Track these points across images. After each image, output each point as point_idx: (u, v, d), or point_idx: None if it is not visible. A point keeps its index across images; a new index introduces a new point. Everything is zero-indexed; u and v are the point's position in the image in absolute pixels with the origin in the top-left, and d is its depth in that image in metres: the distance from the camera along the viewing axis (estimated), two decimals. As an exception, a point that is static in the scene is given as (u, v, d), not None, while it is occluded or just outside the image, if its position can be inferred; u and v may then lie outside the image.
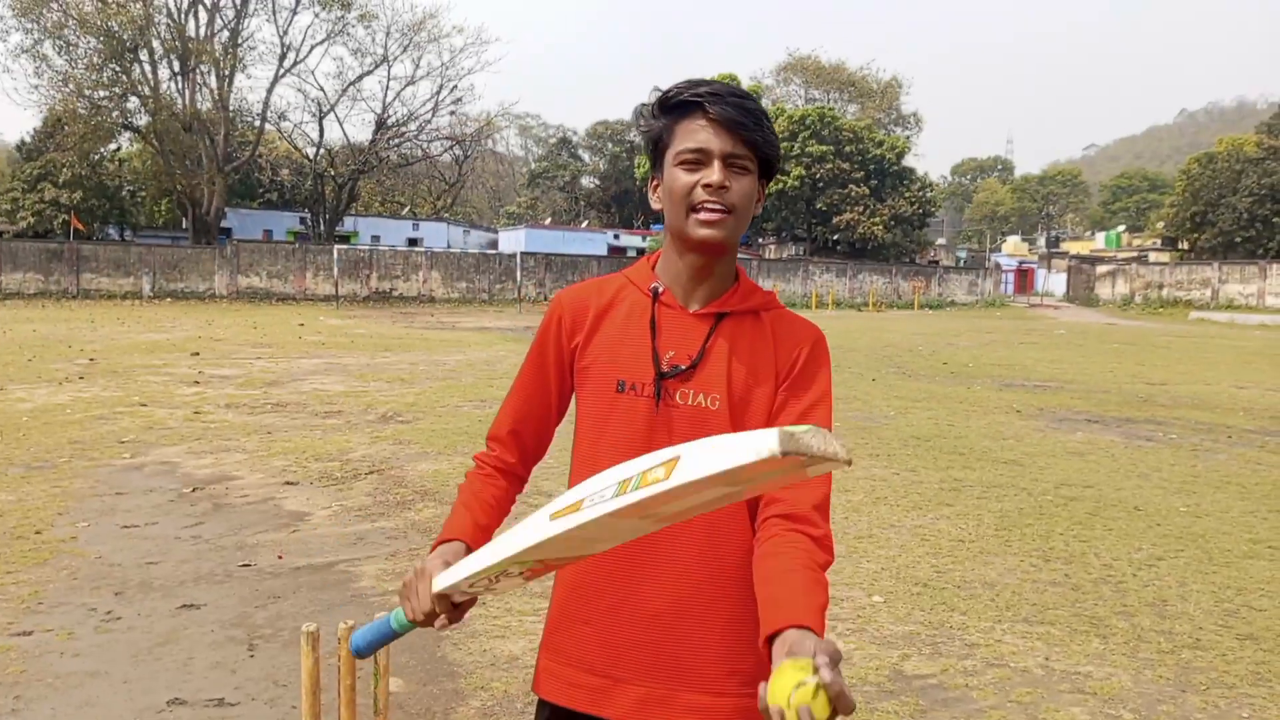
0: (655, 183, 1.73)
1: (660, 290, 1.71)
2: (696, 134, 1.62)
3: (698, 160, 1.62)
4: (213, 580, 5.28)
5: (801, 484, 1.56)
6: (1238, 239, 53.03)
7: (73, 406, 11.07)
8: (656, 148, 1.70)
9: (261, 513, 6.72)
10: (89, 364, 15.49)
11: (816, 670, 1.17)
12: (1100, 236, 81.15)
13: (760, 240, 63.51)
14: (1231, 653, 4.49)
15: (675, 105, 1.66)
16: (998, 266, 63.88)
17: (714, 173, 1.61)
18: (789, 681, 1.18)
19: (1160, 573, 5.68)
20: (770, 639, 1.36)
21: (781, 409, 1.67)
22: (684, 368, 1.66)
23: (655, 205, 1.74)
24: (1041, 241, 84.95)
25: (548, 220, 65.70)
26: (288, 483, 7.60)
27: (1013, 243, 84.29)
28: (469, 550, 1.58)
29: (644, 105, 1.74)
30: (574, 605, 1.71)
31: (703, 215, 1.62)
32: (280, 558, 5.69)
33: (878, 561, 5.80)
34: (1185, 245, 59.28)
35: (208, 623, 4.67)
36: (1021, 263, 71.03)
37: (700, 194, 1.61)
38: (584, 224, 65.54)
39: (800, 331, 1.73)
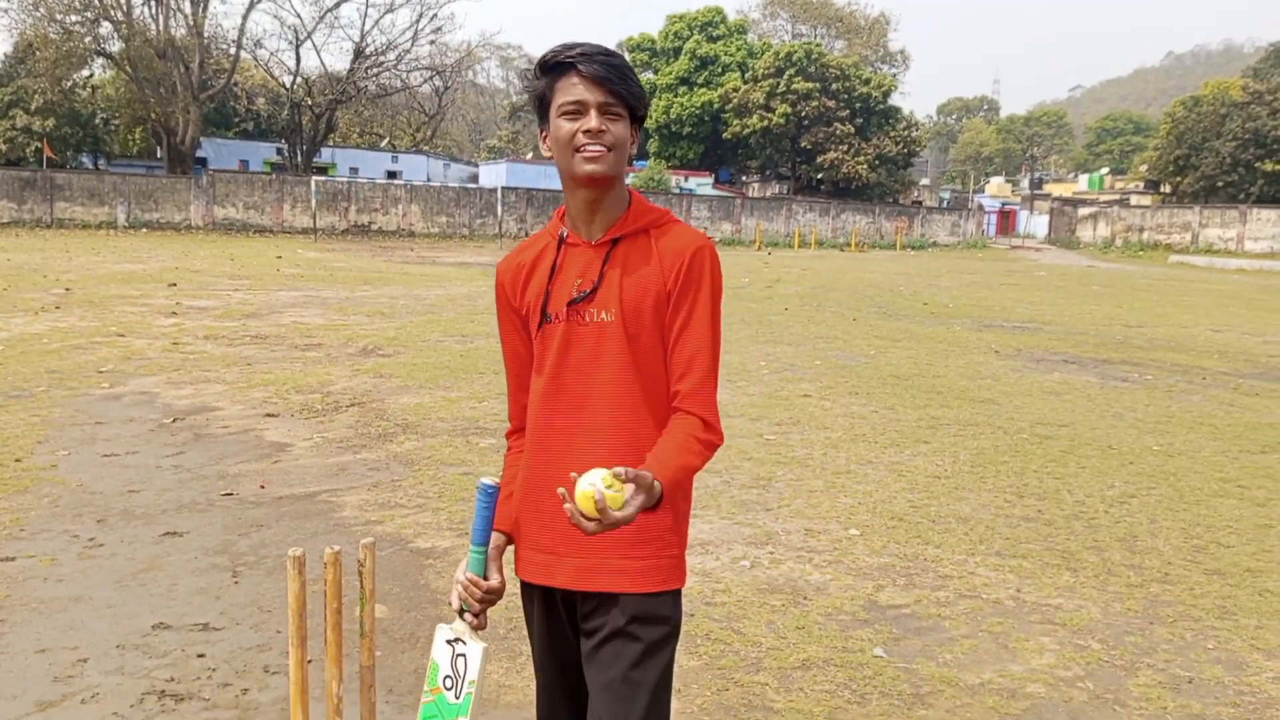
0: (544, 134, 1.98)
1: (565, 234, 2.01)
2: (573, 89, 1.89)
3: (577, 111, 1.89)
4: (195, 509, 5.30)
5: (692, 380, 1.96)
6: (1220, 183, 53.07)
7: (49, 336, 10.97)
8: (542, 104, 1.96)
9: (242, 443, 6.73)
10: (65, 294, 15.33)
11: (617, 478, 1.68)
12: (1084, 179, 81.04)
13: (744, 178, 63.11)
14: (1199, 587, 4.60)
15: (553, 66, 1.92)
16: (980, 208, 63.82)
17: (591, 119, 1.88)
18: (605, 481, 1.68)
19: (1131, 509, 5.78)
20: None
21: (672, 320, 1.96)
22: (588, 291, 1.96)
23: (546, 154, 1.99)
24: (1025, 183, 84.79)
25: (529, 155, 64.95)
26: (268, 414, 7.60)
27: (996, 184, 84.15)
28: (509, 540, 2.06)
29: (527, 70, 2.02)
30: (527, 500, 2.04)
31: (586, 153, 1.88)
32: (263, 487, 5.71)
33: (855, 496, 5.88)
34: (1167, 189, 59.32)
35: (191, 550, 4.69)
36: (1004, 204, 70.99)
37: (581, 138, 1.88)
38: (566, 159, 64.73)
39: (681, 243, 1.97)
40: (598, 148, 1.88)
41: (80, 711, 3.20)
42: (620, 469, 1.69)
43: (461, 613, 1.99)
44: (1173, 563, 4.91)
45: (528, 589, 2.08)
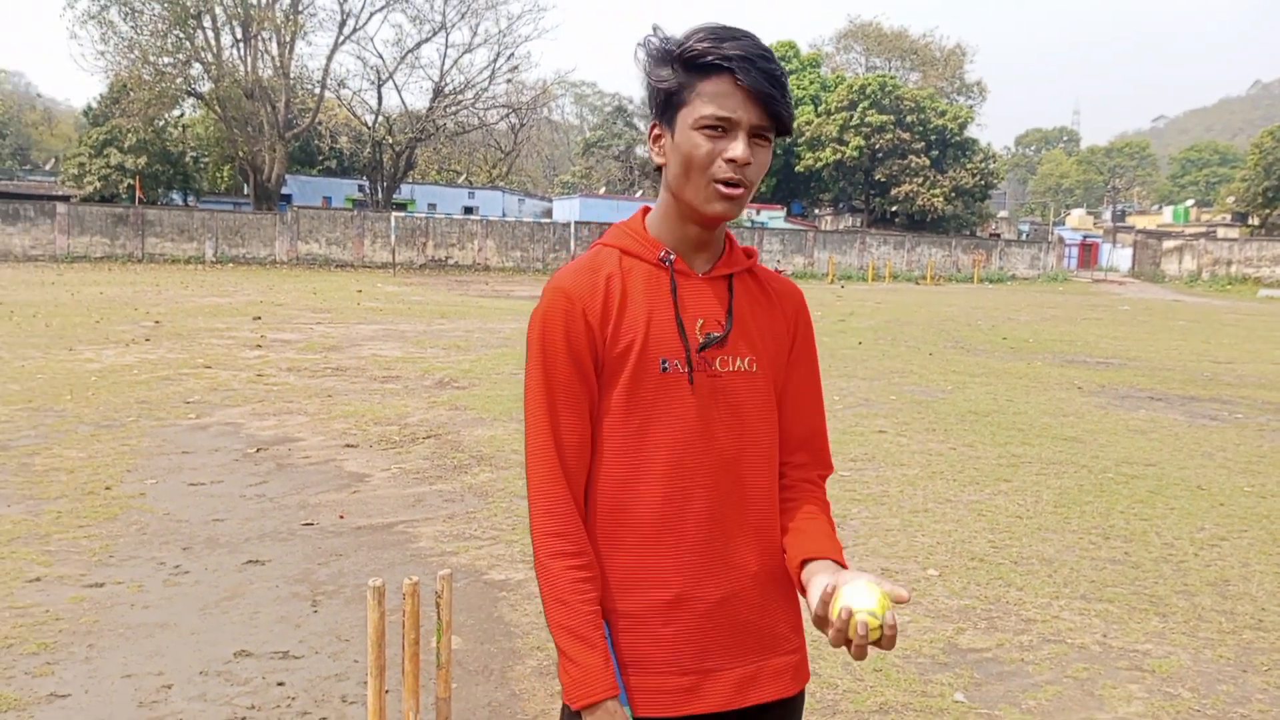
0: (658, 134, 1.59)
1: (673, 258, 1.61)
2: (724, 101, 1.50)
3: (721, 129, 1.51)
4: (276, 538, 5.41)
5: (822, 450, 1.76)
6: (1312, 215, 51.35)
7: (139, 367, 11.35)
8: (669, 100, 1.55)
9: (323, 473, 6.86)
10: (154, 326, 15.85)
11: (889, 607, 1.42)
12: (1168, 211, 79.05)
13: (817, 211, 62.87)
14: (1296, 635, 4.41)
15: (700, 65, 1.52)
16: (1061, 240, 62.58)
17: (739, 146, 1.50)
18: (884, 604, 1.42)
19: (1223, 553, 5.58)
20: (804, 563, 1.59)
21: (792, 371, 1.71)
22: (718, 335, 1.59)
23: (657, 160, 1.60)
24: (1107, 215, 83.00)
25: (602, 190, 65.61)
26: (348, 445, 7.74)
27: (1077, 216, 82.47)
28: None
29: (651, 46, 1.58)
30: (644, 617, 1.58)
31: (723, 190, 1.52)
32: (342, 517, 5.81)
33: (933, 536, 5.77)
34: (1256, 221, 57.53)
35: (272, 578, 4.79)
36: (1086, 237, 69.49)
37: (723, 168, 1.51)
38: (638, 193, 65.36)
39: (788, 288, 1.76)
40: (738, 185, 1.53)
41: (165, 736, 3.27)
42: (891, 589, 1.44)
43: None
44: (1266, 608, 4.72)
45: None
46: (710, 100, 1.50)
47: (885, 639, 1.41)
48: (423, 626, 2.91)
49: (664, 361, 1.56)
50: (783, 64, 1.55)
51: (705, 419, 1.57)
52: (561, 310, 1.55)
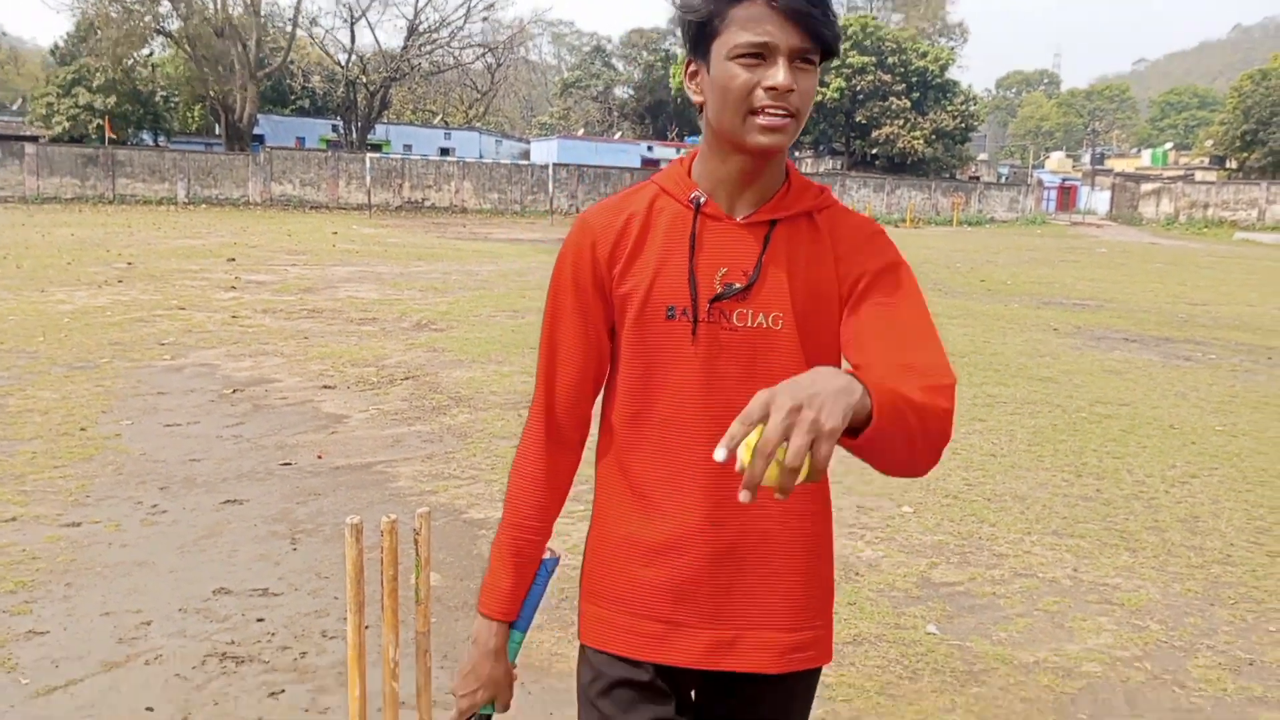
0: (695, 71, 1.48)
1: (703, 200, 1.49)
2: (759, 25, 1.36)
3: (759, 56, 1.37)
4: (254, 478, 5.40)
5: (927, 354, 1.37)
6: (1289, 158, 51.56)
7: (112, 309, 11.22)
8: (701, 32, 1.43)
9: (300, 414, 6.84)
10: (127, 268, 15.65)
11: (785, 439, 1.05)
12: (1146, 154, 79.05)
13: (797, 154, 62.54)
14: (1262, 569, 4.50)
15: None
16: (1040, 183, 62.55)
17: (779, 73, 1.37)
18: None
19: (1193, 490, 5.67)
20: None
21: (859, 303, 1.45)
22: (739, 286, 1.46)
23: (695, 98, 1.49)
24: (1086, 158, 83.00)
25: (580, 131, 64.99)
26: (325, 386, 7.71)
27: (1056, 159, 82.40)
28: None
29: None
30: (626, 552, 1.55)
31: (764, 120, 1.38)
32: (320, 457, 5.81)
33: (908, 473, 5.82)
34: (1234, 164, 57.70)
35: (250, 518, 4.79)
36: (1064, 180, 69.50)
37: (762, 97, 1.38)
38: (617, 135, 64.82)
39: (857, 225, 1.52)
40: (782, 114, 1.39)
41: (144, 672, 3.29)
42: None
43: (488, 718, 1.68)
44: (1235, 544, 4.81)
45: (610, 663, 1.55)
46: (744, 27, 1.37)
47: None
48: (402, 564, 2.92)
49: (670, 308, 1.47)
50: None
51: (709, 373, 1.47)
52: (574, 243, 1.54)
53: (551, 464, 1.60)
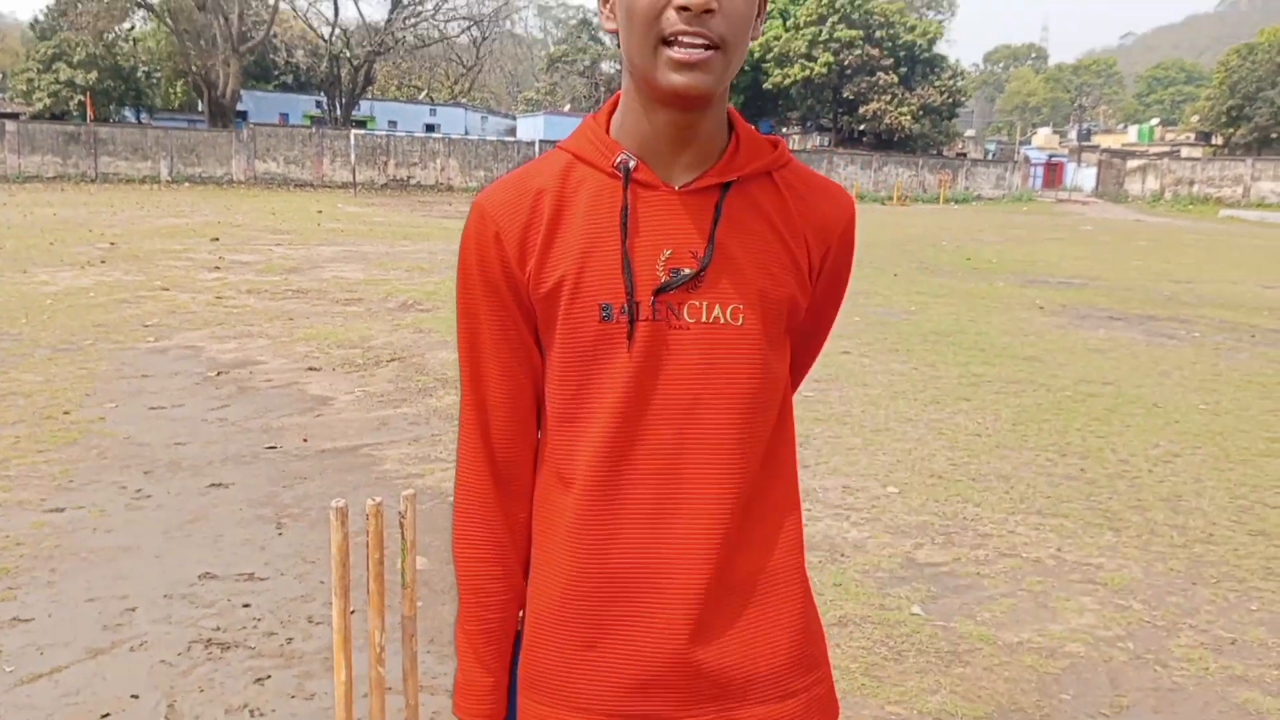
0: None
1: (632, 164, 1.17)
2: None
3: None
4: (240, 461, 5.38)
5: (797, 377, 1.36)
6: (1274, 135, 51.65)
7: (95, 290, 11.14)
8: None
9: (286, 397, 6.81)
10: (110, 248, 15.53)
11: None
12: (1133, 130, 79.19)
13: (784, 130, 62.34)
14: (1244, 548, 4.54)
15: None
16: (1026, 160, 62.59)
17: None
18: None
19: (1176, 469, 5.70)
20: None
21: (806, 314, 1.28)
22: (689, 272, 1.16)
23: (608, 27, 1.19)
24: (1073, 135, 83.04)
25: (567, 107, 64.59)
26: (311, 368, 7.68)
27: (1043, 135, 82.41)
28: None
29: None
30: (568, 625, 1.22)
31: (677, 53, 1.08)
32: (305, 440, 5.79)
33: (893, 454, 5.85)
34: (1220, 140, 57.82)
35: (236, 501, 4.77)
36: (1051, 156, 69.52)
37: (673, 20, 1.08)
38: (604, 111, 64.25)
39: (827, 199, 1.26)
40: (700, 43, 1.08)
41: (129, 659, 3.28)
42: None
43: None
44: (1217, 523, 4.85)
45: None
46: None
47: None
48: (388, 547, 2.92)
49: (605, 307, 1.16)
50: None
51: (652, 385, 1.17)
52: (474, 237, 1.21)
53: (505, 515, 1.27)
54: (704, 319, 1.17)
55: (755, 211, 1.20)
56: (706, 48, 1.09)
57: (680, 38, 1.08)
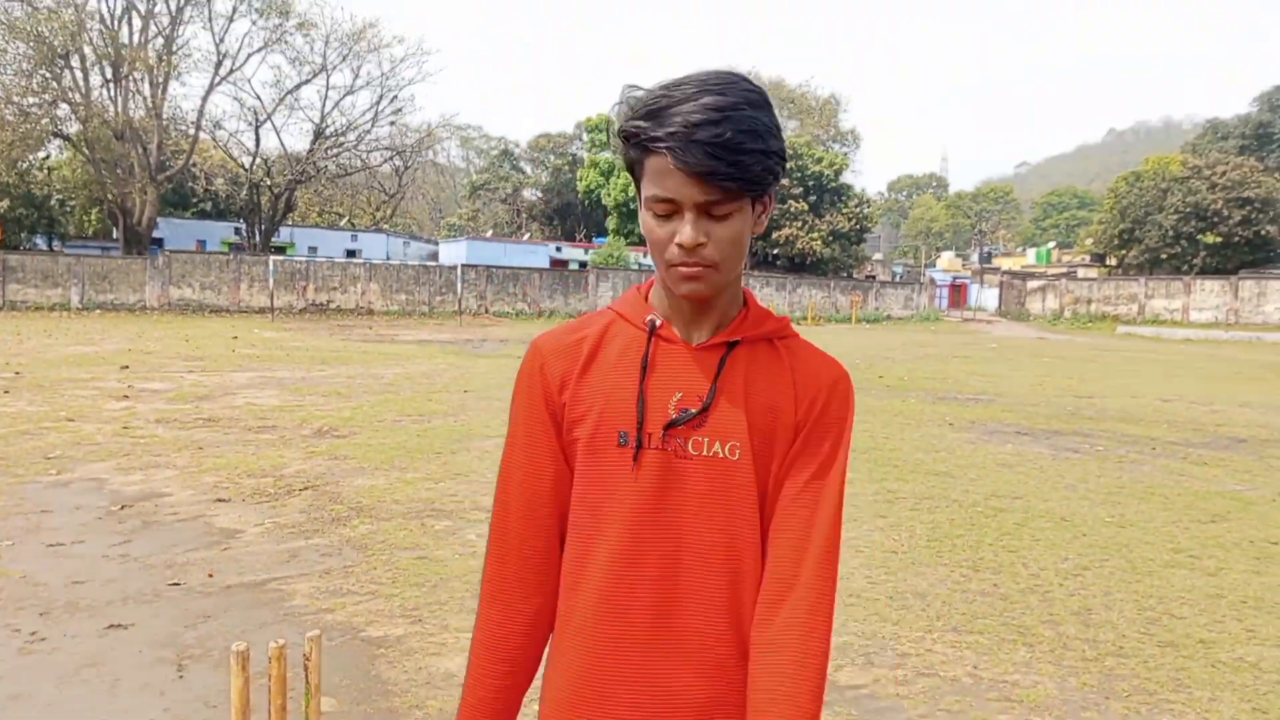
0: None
1: (658, 323, 1.47)
2: (664, 180, 1.35)
3: (670, 209, 1.37)
4: (141, 600, 5.18)
5: (812, 559, 1.46)
6: (1163, 255, 54.66)
7: (-4, 421, 10.75)
8: (634, 173, 1.44)
9: (192, 530, 6.60)
10: (14, 378, 15.06)
11: None
12: (1031, 253, 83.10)
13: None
14: (1153, 660, 4.63)
15: (636, 144, 1.39)
16: (932, 281, 65.07)
17: (686, 229, 1.35)
18: None
19: (1085, 582, 5.83)
20: None
21: (792, 464, 1.47)
22: (694, 411, 1.42)
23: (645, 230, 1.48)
24: (975, 257, 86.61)
25: (489, 232, 65.48)
26: (219, 499, 7.47)
27: (947, 258, 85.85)
28: None
29: (618, 109, 1.45)
30: (577, 711, 1.45)
31: (680, 271, 1.39)
32: (210, 576, 5.60)
33: (813, 574, 5.86)
34: (1113, 261, 60.90)
35: (136, 643, 4.57)
36: (955, 278, 72.36)
37: (675, 251, 1.37)
38: (526, 236, 65.41)
39: (817, 365, 1.52)
40: (694, 268, 1.38)
41: (13, 818, 3.08)
42: None
43: None
44: (1127, 635, 4.95)
45: None
46: (653, 180, 1.37)
47: None
48: (294, 690, 2.82)
49: (623, 435, 1.43)
50: (745, 110, 1.34)
51: (659, 504, 1.42)
52: (526, 368, 1.51)
53: (514, 614, 1.50)
54: (706, 452, 1.43)
55: (755, 366, 1.48)
56: (703, 268, 1.39)
57: (681, 264, 1.38)
